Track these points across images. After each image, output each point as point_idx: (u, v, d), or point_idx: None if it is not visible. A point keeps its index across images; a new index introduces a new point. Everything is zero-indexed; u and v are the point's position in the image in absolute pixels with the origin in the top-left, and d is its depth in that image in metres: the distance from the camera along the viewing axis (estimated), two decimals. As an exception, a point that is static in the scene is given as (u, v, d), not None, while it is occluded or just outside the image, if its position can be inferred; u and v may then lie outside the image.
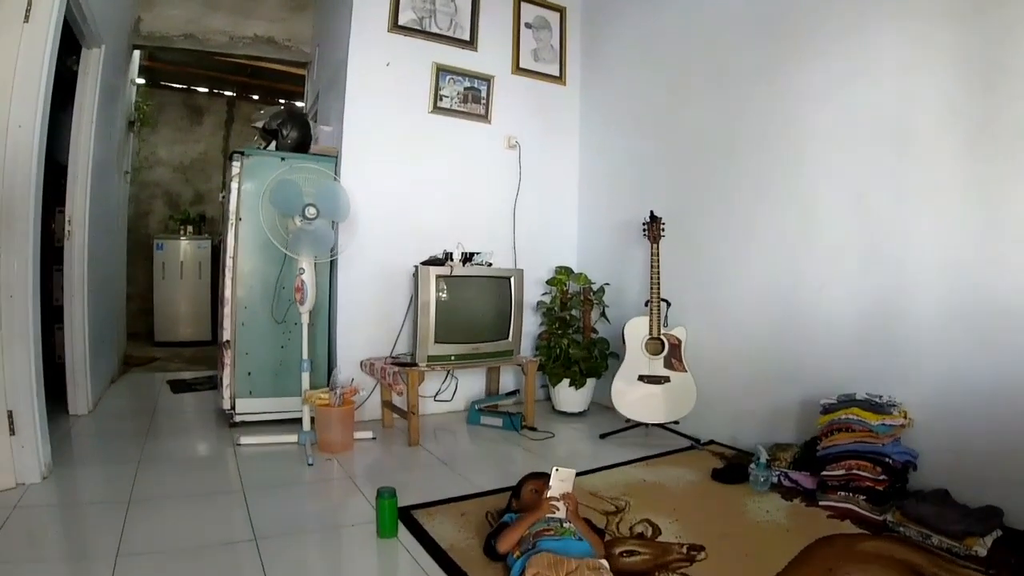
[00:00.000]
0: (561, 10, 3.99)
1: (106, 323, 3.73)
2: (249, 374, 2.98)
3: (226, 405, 2.98)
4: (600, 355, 3.35)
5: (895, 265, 2.28)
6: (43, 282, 2.30)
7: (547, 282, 3.64)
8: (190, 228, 5.58)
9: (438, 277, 2.91)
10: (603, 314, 3.46)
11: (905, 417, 2.13)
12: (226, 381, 2.97)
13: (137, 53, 4.62)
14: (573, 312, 3.45)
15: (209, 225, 5.91)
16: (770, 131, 2.78)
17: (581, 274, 3.53)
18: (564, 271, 3.57)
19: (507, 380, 3.53)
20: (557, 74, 3.95)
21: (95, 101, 3.16)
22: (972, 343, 2.03)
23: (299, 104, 5.11)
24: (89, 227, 3.15)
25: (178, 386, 3.89)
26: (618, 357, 3.06)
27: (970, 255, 2.05)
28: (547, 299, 3.64)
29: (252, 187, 2.99)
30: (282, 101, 6.20)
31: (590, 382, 3.37)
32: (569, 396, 3.36)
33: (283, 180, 2.76)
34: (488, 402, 3.29)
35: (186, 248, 5.45)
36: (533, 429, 3.06)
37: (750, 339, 2.83)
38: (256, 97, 6.36)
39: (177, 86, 6.08)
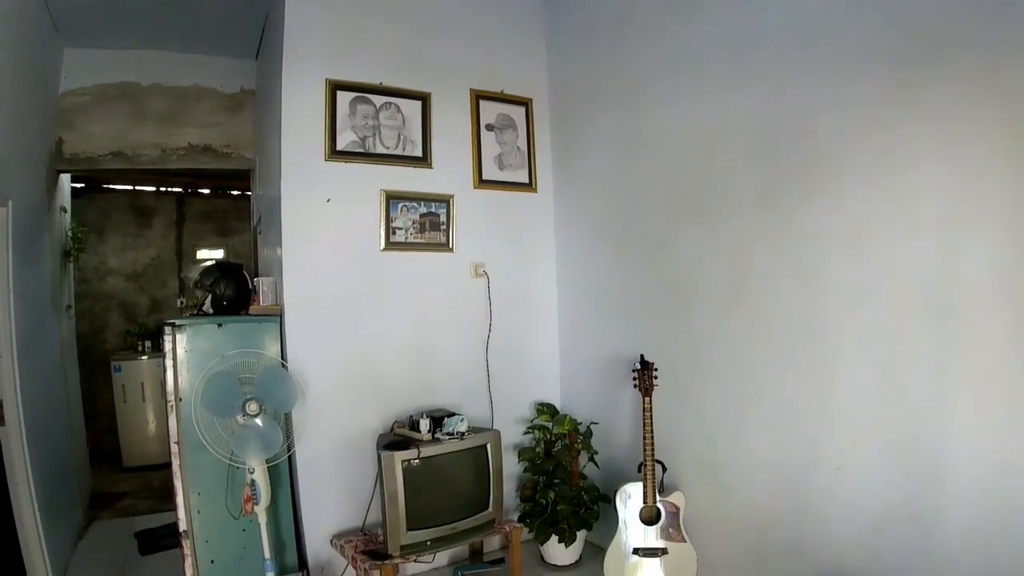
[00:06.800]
0: (527, 102, 3.57)
1: (61, 488, 3.44)
2: (212, 562, 2.72)
3: (193, 600, 2.68)
4: (591, 502, 3.05)
5: (930, 456, 1.90)
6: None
7: (528, 427, 3.30)
8: (148, 343, 5.22)
9: (404, 462, 2.60)
10: (592, 459, 3.11)
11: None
12: (188, 573, 2.68)
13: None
14: (560, 462, 3.10)
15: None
16: (779, 278, 2.33)
17: (566, 417, 3.16)
18: (546, 410, 3.24)
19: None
20: (527, 180, 3.55)
21: (7, 271, 2.80)
22: (1015, 557, 1.72)
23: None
24: (24, 407, 2.80)
25: (147, 544, 3.61)
26: (609, 501, 2.78)
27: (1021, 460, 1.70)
28: (528, 439, 3.33)
29: (189, 359, 2.69)
30: (235, 193, 5.87)
31: (581, 533, 3.05)
32: (559, 551, 3.05)
33: (215, 376, 2.46)
34: (473, 570, 2.99)
35: (146, 368, 5.11)
36: (523, 599, 2.79)
37: (756, 510, 2.48)
38: (207, 191, 6.01)
39: (121, 187, 5.72)
